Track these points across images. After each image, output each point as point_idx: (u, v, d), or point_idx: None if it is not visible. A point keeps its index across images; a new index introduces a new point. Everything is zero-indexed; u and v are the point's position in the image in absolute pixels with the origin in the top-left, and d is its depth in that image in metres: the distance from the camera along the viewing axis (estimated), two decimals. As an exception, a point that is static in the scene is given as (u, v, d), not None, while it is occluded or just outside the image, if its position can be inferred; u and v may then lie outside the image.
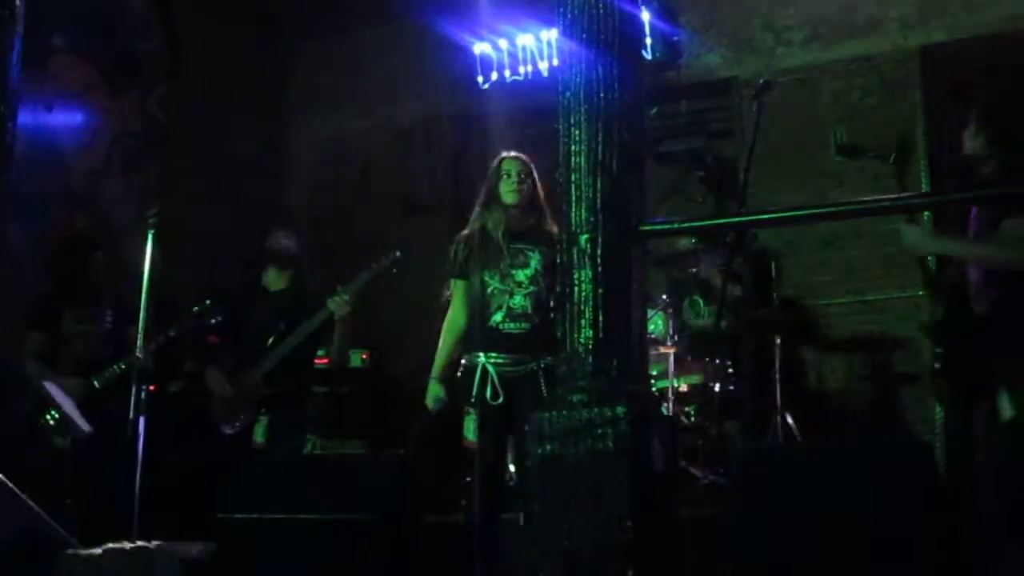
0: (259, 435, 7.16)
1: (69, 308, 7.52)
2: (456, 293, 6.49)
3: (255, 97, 10.84)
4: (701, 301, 8.49)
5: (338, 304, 7.06)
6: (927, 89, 8.94)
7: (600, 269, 3.83)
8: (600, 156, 3.91)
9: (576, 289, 3.84)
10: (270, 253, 7.44)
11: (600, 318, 3.80)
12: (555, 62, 9.01)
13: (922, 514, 3.76)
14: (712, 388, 7.92)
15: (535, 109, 9.01)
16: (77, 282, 7.62)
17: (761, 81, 6.09)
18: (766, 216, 4.75)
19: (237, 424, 7.14)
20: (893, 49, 9.05)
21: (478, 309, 6.35)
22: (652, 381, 7.51)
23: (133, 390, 6.33)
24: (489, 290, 6.33)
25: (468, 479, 7.36)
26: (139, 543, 5.58)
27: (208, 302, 7.26)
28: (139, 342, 6.48)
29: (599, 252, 3.84)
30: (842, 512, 3.87)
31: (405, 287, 9.63)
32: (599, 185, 3.89)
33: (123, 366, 7.13)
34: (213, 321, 7.30)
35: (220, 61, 10.41)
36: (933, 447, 5.78)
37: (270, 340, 7.18)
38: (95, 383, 7.22)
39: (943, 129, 8.95)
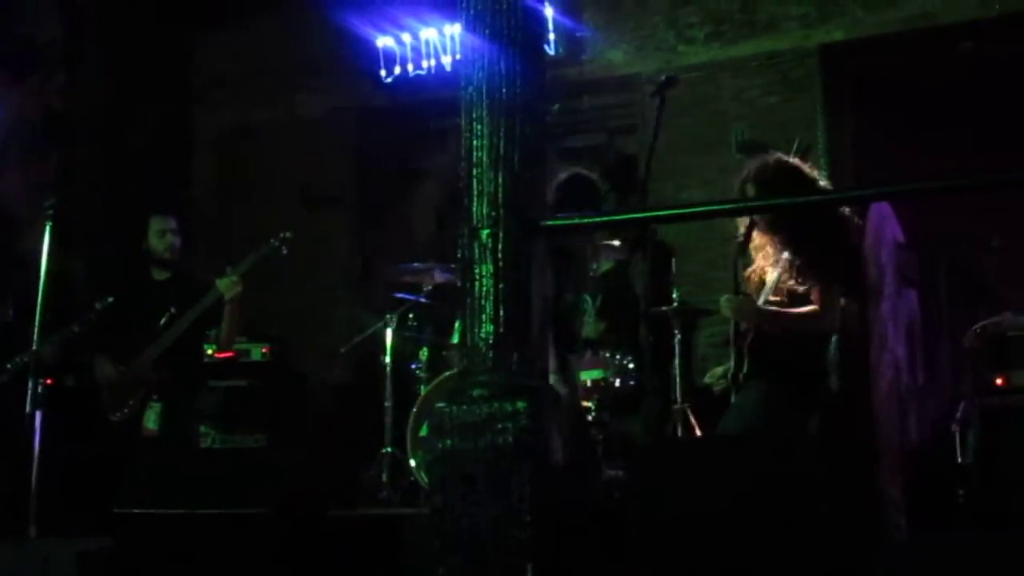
0: (151, 422, 7.13)
1: None
2: None
3: (156, 87, 10.71)
4: (589, 300, 8.52)
5: (227, 285, 7.12)
6: (827, 87, 9.05)
7: (501, 264, 3.84)
8: (502, 151, 3.91)
9: (476, 284, 3.85)
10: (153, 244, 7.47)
11: (501, 313, 3.81)
12: (458, 56, 9.01)
13: (817, 503, 3.82)
14: (613, 383, 7.94)
15: (438, 103, 9.00)
16: None
17: (663, 78, 6.12)
18: (666, 212, 4.80)
19: (125, 411, 7.10)
20: (793, 47, 9.13)
21: None
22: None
23: (30, 384, 6.25)
24: None
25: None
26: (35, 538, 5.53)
27: (110, 299, 7.22)
28: (36, 335, 6.39)
29: (500, 247, 3.85)
30: (739, 504, 3.91)
31: (307, 279, 9.64)
32: (500, 180, 3.90)
33: (25, 359, 7.04)
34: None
35: (121, 50, 10.27)
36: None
37: (160, 324, 7.18)
38: None
39: (843, 127, 9.09)
